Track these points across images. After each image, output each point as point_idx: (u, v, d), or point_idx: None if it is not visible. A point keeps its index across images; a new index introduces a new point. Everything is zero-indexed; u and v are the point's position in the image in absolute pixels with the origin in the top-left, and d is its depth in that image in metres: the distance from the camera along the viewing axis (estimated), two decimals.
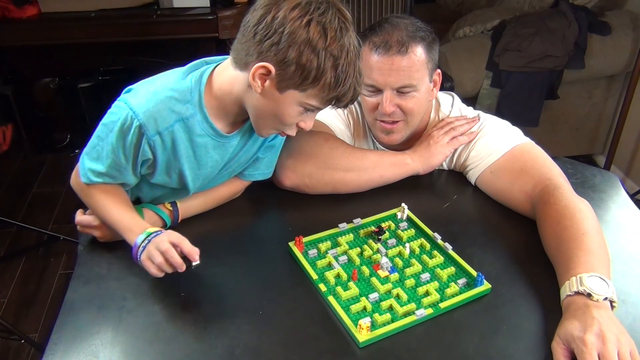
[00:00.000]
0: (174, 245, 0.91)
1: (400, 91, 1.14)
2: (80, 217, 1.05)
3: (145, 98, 0.95)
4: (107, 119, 0.97)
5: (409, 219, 1.12)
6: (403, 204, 1.12)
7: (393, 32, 1.11)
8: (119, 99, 0.97)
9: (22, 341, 1.81)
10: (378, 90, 1.15)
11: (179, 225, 1.09)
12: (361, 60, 1.11)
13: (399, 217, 1.12)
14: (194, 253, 0.91)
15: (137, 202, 1.11)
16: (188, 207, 1.10)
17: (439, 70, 1.20)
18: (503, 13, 2.58)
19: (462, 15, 2.73)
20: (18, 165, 2.97)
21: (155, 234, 0.93)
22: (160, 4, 2.61)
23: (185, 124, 0.97)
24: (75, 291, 0.94)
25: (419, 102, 1.17)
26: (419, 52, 1.11)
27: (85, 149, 1.00)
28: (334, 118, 1.26)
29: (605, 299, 0.82)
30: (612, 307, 0.84)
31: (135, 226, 0.96)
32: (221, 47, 2.65)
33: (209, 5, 2.58)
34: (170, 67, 1.03)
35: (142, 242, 0.92)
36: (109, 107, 0.98)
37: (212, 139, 1.01)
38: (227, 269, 1.00)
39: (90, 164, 0.99)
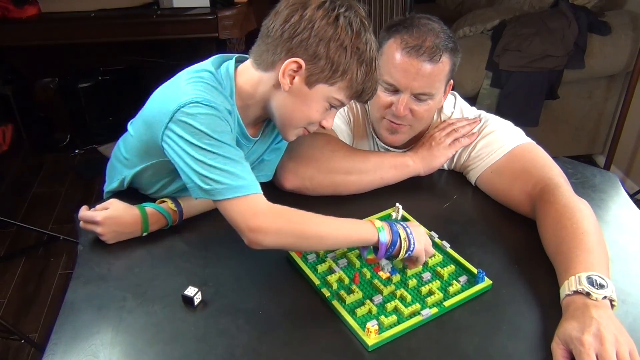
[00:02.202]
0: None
1: (418, 97, 1.13)
2: (83, 212, 1.04)
3: (193, 88, 0.93)
4: (185, 140, 0.89)
5: (403, 219, 1.12)
6: (397, 204, 1.11)
7: (427, 36, 1.09)
8: (172, 117, 0.90)
9: (22, 341, 1.81)
10: (396, 90, 1.14)
11: (180, 224, 1.09)
12: (382, 54, 1.12)
13: (393, 217, 1.12)
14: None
15: (140, 199, 1.11)
16: (191, 206, 1.10)
17: (451, 81, 1.19)
18: (503, 13, 2.58)
19: (462, 15, 2.73)
20: (18, 165, 2.97)
21: (404, 226, 0.90)
22: (160, 4, 2.61)
23: (229, 113, 0.98)
24: (75, 291, 0.94)
25: (430, 110, 1.17)
26: (445, 62, 1.11)
27: (209, 188, 0.88)
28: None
29: (605, 297, 0.82)
30: (612, 306, 0.84)
31: (367, 231, 0.89)
32: (221, 47, 2.65)
33: (209, 5, 2.57)
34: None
35: (396, 236, 0.89)
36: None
37: (237, 139, 1.02)
38: (227, 269, 1.00)
39: (234, 178, 0.88)
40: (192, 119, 0.90)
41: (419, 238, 0.92)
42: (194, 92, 0.92)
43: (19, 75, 2.94)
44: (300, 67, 0.90)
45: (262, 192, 0.90)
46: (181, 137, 0.90)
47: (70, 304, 0.91)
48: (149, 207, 1.06)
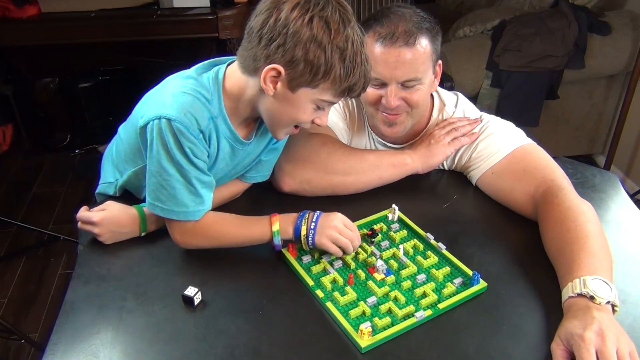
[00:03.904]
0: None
1: (405, 85, 1.12)
2: (82, 212, 1.05)
3: (172, 101, 0.93)
4: (153, 150, 0.94)
5: (400, 220, 1.12)
6: (394, 205, 1.11)
7: (399, 23, 1.08)
8: (146, 121, 0.94)
9: (22, 341, 1.81)
10: (382, 84, 1.13)
11: None
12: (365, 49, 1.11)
13: (389, 218, 1.12)
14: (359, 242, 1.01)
15: (136, 200, 1.10)
16: None
17: (440, 62, 1.18)
18: (503, 13, 2.57)
19: (462, 15, 2.73)
20: (18, 165, 2.97)
21: (315, 216, 0.98)
22: (160, 4, 2.61)
23: (214, 123, 0.98)
24: (75, 291, 0.94)
25: (423, 94, 1.16)
26: (424, 43, 1.09)
27: (152, 203, 0.98)
28: (331, 114, 1.25)
29: (608, 302, 0.82)
30: (614, 310, 0.84)
31: (261, 230, 1.00)
32: (221, 47, 2.65)
33: (209, 5, 2.57)
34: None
35: (298, 233, 0.98)
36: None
37: (228, 143, 1.01)
38: (227, 269, 1.00)
39: (177, 204, 0.96)
40: (161, 133, 0.93)
41: (322, 231, 0.97)
42: (172, 105, 0.92)
43: (19, 75, 2.93)
44: (279, 73, 0.88)
45: (196, 218, 0.99)
46: (151, 147, 0.94)
47: (70, 304, 0.91)
48: (147, 208, 1.06)
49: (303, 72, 0.88)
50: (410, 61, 1.08)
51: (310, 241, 0.98)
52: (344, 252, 0.99)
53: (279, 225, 0.99)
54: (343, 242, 0.98)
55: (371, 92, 1.15)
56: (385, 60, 1.08)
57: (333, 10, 0.87)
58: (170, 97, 0.94)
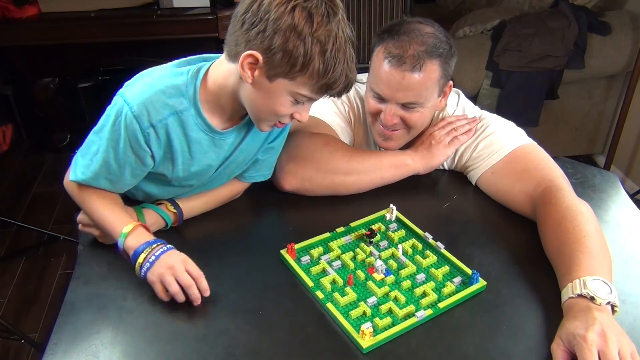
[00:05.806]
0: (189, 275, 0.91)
1: (406, 106, 1.13)
2: (82, 215, 1.05)
3: (140, 90, 0.93)
4: (105, 115, 0.96)
5: (398, 220, 1.12)
6: (391, 205, 1.11)
7: (410, 44, 1.06)
8: (118, 92, 0.96)
9: (22, 341, 1.81)
10: (383, 99, 1.14)
11: (179, 225, 1.09)
12: (372, 61, 1.10)
13: (387, 218, 1.12)
14: (206, 291, 0.91)
15: (136, 202, 1.11)
16: (190, 208, 1.10)
17: (450, 83, 1.18)
18: (503, 13, 2.58)
19: (462, 15, 2.73)
20: (18, 165, 2.97)
21: (160, 250, 0.91)
22: (160, 4, 2.61)
23: (179, 118, 0.96)
24: (75, 291, 0.94)
25: (423, 116, 1.16)
26: (433, 69, 1.08)
27: (81, 148, 1.01)
28: (334, 115, 1.26)
29: (608, 303, 0.82)
30: (614, 311, 0.84)
31: (119, 223, 0.96)
32: (221, 47, 2.64)
33: (209, 5, 2.58)
34: None
35: (135, 256, 0.92)
36: (109, 103, 0.98)
37: (206, 135, 1.00)
38: (227, 269, 1.00)
39: (83, 162, 0.99)
40: (117, 111, 0.93)
41: (155, 268, 0.90)
42: (139, 95, 0.92)
43: (19, 75, 2.93)
44: (257, 60, 0.86)
45: (78, 181, 0.98)
46: (107, 109, 0.95)
47: (70, 304, 0.91)
48: (147, 209, 1.06)
49: (280, 62, 0.85)
50: (414, 86, 1.08)
51: (142, 273, 0.92)
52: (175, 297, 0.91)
53: (132, 229, 0.94)
54: (173, 288, 0.89)
55: (372, 103, 1.16)
56: (388, 80, 1.08)
57: (320, 2, 0.85)
58: (141, 84, 0.94)
